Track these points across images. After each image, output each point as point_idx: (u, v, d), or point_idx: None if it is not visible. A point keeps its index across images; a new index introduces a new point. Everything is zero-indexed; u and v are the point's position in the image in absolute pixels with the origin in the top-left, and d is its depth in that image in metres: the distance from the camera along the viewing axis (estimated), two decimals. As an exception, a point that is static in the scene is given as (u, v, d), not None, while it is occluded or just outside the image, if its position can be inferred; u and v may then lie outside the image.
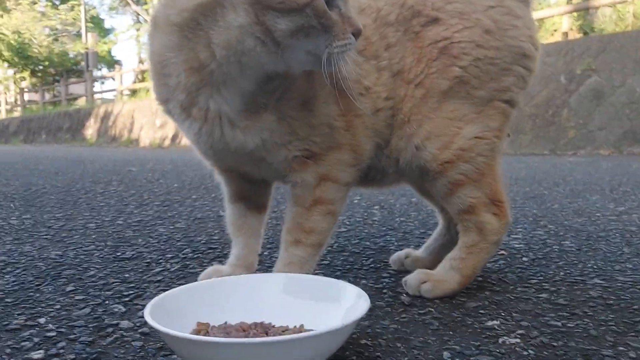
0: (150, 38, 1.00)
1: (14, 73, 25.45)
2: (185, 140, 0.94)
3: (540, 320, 0.97)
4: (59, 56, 24.74)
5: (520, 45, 1.11)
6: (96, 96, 18.94)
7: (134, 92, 17.23)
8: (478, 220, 1.12)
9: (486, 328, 0.94)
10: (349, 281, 1.19)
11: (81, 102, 20.81)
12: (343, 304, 0.86)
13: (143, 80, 18.17)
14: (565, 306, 1.05)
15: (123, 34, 31.13)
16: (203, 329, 0.82)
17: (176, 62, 0.94)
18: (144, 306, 0.99)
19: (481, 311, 1.02)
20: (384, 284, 1.20)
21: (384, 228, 1.90)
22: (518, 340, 0.88)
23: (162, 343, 0.84)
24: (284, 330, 0.83)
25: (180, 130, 1.07)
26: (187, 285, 0.93)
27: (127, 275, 1.25)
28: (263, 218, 1.22)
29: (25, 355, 0.80)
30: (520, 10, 1.13)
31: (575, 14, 9.33)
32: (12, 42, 23.11)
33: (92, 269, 1.31)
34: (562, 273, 1.29)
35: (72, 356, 0.80)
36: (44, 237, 1.69)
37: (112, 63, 28.94)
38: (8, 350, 0.82)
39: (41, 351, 0.81)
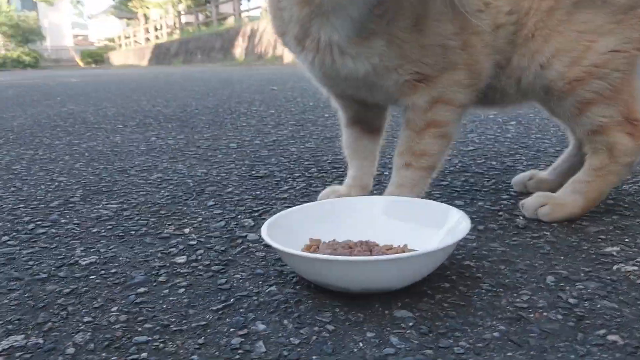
0: None
1: (172, -3, 27.25)
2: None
3: (668, 249, 0.91)
4: (209, -23, 25.85)
5: None
6: (243, 15, 19.63)
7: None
8: (609, 141, 1.04)
9: (602, 254, 0.90)
10: (465, 202, 1.21)
11: (230, 21, 21.78)
12: (445, 227, 0.89)
13: (285, -5, 18.33)
14: None
15: (265, -51, 31.35)
16: (314, 244, 0.90)
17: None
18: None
19: (602, 236, 0.98)
20: (502, 206, 1.19)
21: (516, 146, 1.82)
22: (635, 268, 0.84)
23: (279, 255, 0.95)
24: (388, 248, 0.88)
25: (297, 61, 1.11)
26: (302, 205, 1.01)
27: (258, 192, 1.39)
28: (378, 141, 1.25)
29: (172, 260, 0.96)
30: None
31: None
32: (168, -34, 24.59)
33: (230, 186, 1.46)
34: None
35: (207, 262, 0.94)
36: (194, 156, 1.91)
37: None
38: (159, 255, 0.98)
39: (184, 257, 0.97)
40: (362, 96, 1.13)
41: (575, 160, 1.21)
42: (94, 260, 0.97)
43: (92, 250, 1.02)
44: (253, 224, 1.14)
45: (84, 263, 0.95)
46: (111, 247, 1.03)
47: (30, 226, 1.17)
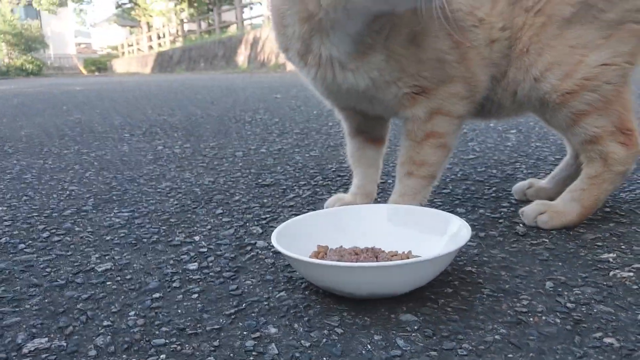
0: None
1: (175, 5, 27.43)
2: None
3: (662, 255, 0.94)
4: (212, -15, 26.04)
5: None
6: (245, 22, 19.76)
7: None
8: (603, 150, 1.08)
9: (599, 260, 0.94)
10: (467, 210, 1.24)
11: (232, 29, 21.91)
12: (447, 234, 0.92)
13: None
14: (698, 242, 1.00)
15: (267, -43, 31.57)
16: (322, 250, 0.94)
17: (291, 13, 1.02)
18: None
19: (598, 243, 1.02)
20: (502, 213, 1.22)
21: (516, 154, 1.86)
22: (631, 274, 0.87)
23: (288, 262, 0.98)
24: (393, 255, 0.92)
25: (300, 76, 1.16)
26: (310, 213, 1.05)
27: (265, 200, 1.42)
28: (381, 150, 1.29)
29: (184, 266, 0.99)
30: None
31: None
32: (171, -25, 24.78)
33: (237, 194, 1.50)
34: None
35: (218, 269, 0.97)
36: (200, 164, 1.95)
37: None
38: (171, 262, 1.02)
39: (195, 263, 1.00)
40: (364, 108, 1.18)
41: (572, 169, 1.25)
42: (109, 267, 1.00)
43: (106, 257, 1.06)
44: (261, 231, 1.17)
45: (99, 270, 0.99)
46: (125, 254, 1.07)
47: (45, 234, 1.21)
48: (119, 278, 0.95)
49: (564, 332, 0.71)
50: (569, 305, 0.78)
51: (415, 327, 0.73)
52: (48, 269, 1.00)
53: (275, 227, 0.94)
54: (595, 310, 0.76)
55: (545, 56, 1.05)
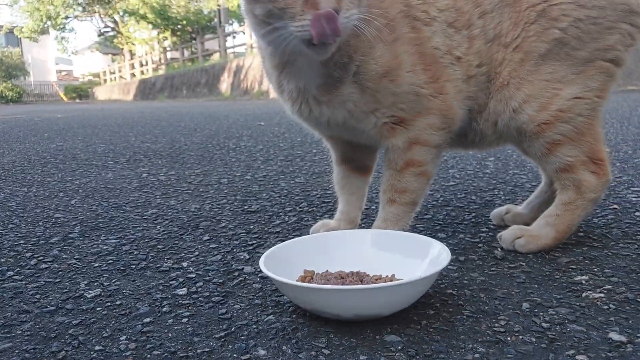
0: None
1: (157, 34, 27.60)
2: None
3: (632, 277, 0.99)
4: (195, 14, 26.31)
5: (627, 2, 1.08)
6: (229, 51, 19.96)
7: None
8: (576, 179, 1.13)
9: (573, 282, 0.98)
10: (447, 235, 1.29)
11: (215, 58, 22.09)
12: (428, 258, 0.96)
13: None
14: (665, 264, 1.05)
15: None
16: (309, 275, 0.97)
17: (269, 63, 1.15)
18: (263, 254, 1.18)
19: (572, 266, 1.06)
20: (481, 238, 1.27)
21: (494, 181, 1.92)
22: (602, 295, 0.92)
23: (276, 286, 1.01)
24: (378, 278, 0.95)
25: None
26: (297, 238, 1.08)
27: (252, 226, 1.45)
28: (367, 179, 1.33)
29: (173, 292, 1.01)
30: None
31: None
32: (155, 4, 25.01)
33: (223, 220, 1.53)
34: (674, 229, 1.26)
35: (207, 293, 1.00)
36: (186, 192, 1.97)
37: (242, 17, 30.07)
38: (161, 287, 1.04)
39: (184, 288, 1.03)
40: (348, 138, 1.23)
41: (546, 196, 1.30)
42: (98, 293, 1.02)
43: (95, 283, 1.07)
44: (248, 257, 1.20)
45: (89, 296, 1.01)
46: (114, 280, 1.09)
47: (33, 262, 1.22)
48: (108, 304, 0.97)
49: (539, 350, 0.75)
50: (544, 325, 0.82)
51: (399, 347, 0.77)
52: (37, 296, 1.02)
53: (263, 253, 0.97)
54: (568, 330, 0.80)
55: (523, 90, 1.11)
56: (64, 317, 0.91)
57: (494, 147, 1.32)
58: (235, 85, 16.08)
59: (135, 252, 1.26)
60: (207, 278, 1.08)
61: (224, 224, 1.49)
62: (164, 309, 0.93)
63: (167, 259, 1.21)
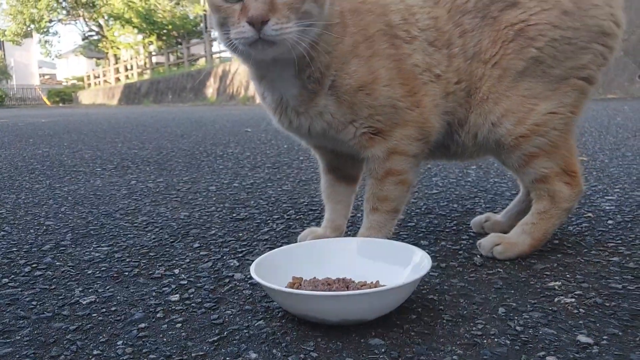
0: None
1: (143, 38, 27.50)
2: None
3: (602, 282, 1.05)
4: (181, 19, 26.28)
5: (600, 24, 1.14)
6: (215, 56, 19.96)
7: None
8: (550, 189, 1.20)
9: (546, 288, 1.04)
10: (430, 242, 1.34)
11: (201, 62, 22.07)
12: (410, 265, 1.01)
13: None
14: (633, 270, 1.11)
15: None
16: (297, 282, 1.01)
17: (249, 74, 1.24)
18: (253, 261, 1.22)
19: (547, 272, 1.12)
20: (461, 245, 1.32)
21: (476, 189, 1.98)
22: (573, 300, 0.98)
23: (265, 292, 1.05)
24: (363, 284, 1.00)
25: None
26: (285, 246, 1.13)
27: (241, 234, 1.49)
28: (353, 187, 1.38)
29: (166, 298, 1.05)
30: None
31: None
32: (140, 8, 24.93)
33: (213, 228, 1.57)
34: (644, 237, 1.32)
35: (199, 300, 1.04)
36: (175, 199, 2.00)
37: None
38: (154, 294, 1.08)
39: (177, 295, 1.07)
40: (331, 147, 1.28)
41: (524, 205, 1.37)
42: (93, 299, 1.06)
43: (90, 290, 1.11)
44: (238, 264, 1.24)
45: (84, 302, 1.04)
46: (108, 287, 1.12)
47: (27, 269, 1.25)
48: (104, 310, 1.00)
49: (513, 352, 0.80)
50: (518, 328, 0.87)
51: (383, 350, 0.81)
52: (34, 302, 1.05)
53: (252, 260, 1.02)
54: (540, 333, 0.86)
55: (501, 104, 1.17)
56: (61, 323, 0.95)
57: (475, 158, 1.38)
58: (221, 90, 16.09)
59: (127, 260, 1.30)
60: (199, 284, 1.12)
61: (213, 232, 1.53)
62: (158, 315, 0.97)
63: (159, 266, 1.25)
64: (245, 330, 0.90)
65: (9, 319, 0.97)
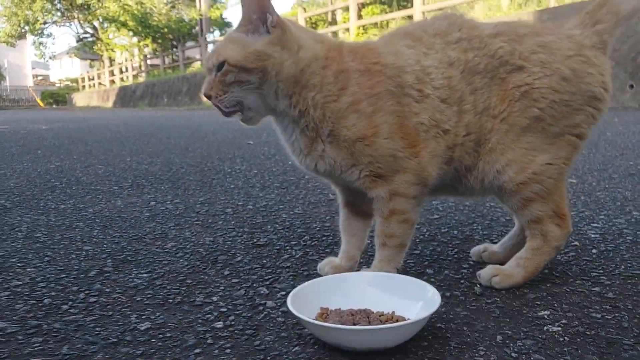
0: None
1: (138, 41, 27.57)
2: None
3: (584, 311, 1.24)
4: (176, 22, 26.41)
5: (592, 90, 1.33)
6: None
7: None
8: (543, 229, 1.38)
9: (537, 317, 1.22)
10: (434, 271, 1.52)
11: (197, 66, 22.19)
12: (422, 300, 1.19)
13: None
14: (611, 300, 1.30)
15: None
16: (324, 312, 1.19)
17: None
18: (280, 289, 1.40)
19: (537, 302, 1.30)
20: (463, 274, 1.50)
21: (473, 215, 2.17)
22: (559, 328, 1.16)
23: (297, 320, 1.23)
24: (381, 315, 1.18)
25: None
26: (315, 279, 1.30)
27: (264, 261, 1.67)
28: (367, 222, 1.55)
29: (212, 325, 1.22)
30: (597, 58, 1.34)
31: None
32: (136, 12, 25.02)
33: (238, 254, 1.74)
34: (622, 267, 1.51)
35: (240, 327, 1.21)
36: (196, 222, 2.17)
37: (223, 26, 30.23)
38: (200, 321, 1.24)
39: (220, 322, 1.24)
40: (344, 184, 1.46)
41: (518, 239, 1.55)
42: (149, 326, 1.22)
43: (143, 317, 1.28)
44: (267, 292, 1.41)
45: (142, 328, 1.21)
46: (158, 314, 1.29)
47: (82, 295, 1.42)
48: (160, 335, 1.17)
49: (510, 375, 0.98)
50: (513, 354, 1.05)
51: (403, 374, 0.99)
52: (98, 329, 1.21)
53: (279, 288, 1.19)
54: (532, 359, 1.03)
55: (506, 155, 1.35)
56: (128, 348, 1.12)
57: (480, 197, 1.57)
58: (218, 95, 16.18)
59: (168, 287, 1.47)
60: (237, 312, 1.29)
61: (239, 258, 1.70)
62: (209, 341, 1.14)
63: (198, 293, 1.42)
64: (285, 356, 1.07)
65: (80, 344, 1.14)
